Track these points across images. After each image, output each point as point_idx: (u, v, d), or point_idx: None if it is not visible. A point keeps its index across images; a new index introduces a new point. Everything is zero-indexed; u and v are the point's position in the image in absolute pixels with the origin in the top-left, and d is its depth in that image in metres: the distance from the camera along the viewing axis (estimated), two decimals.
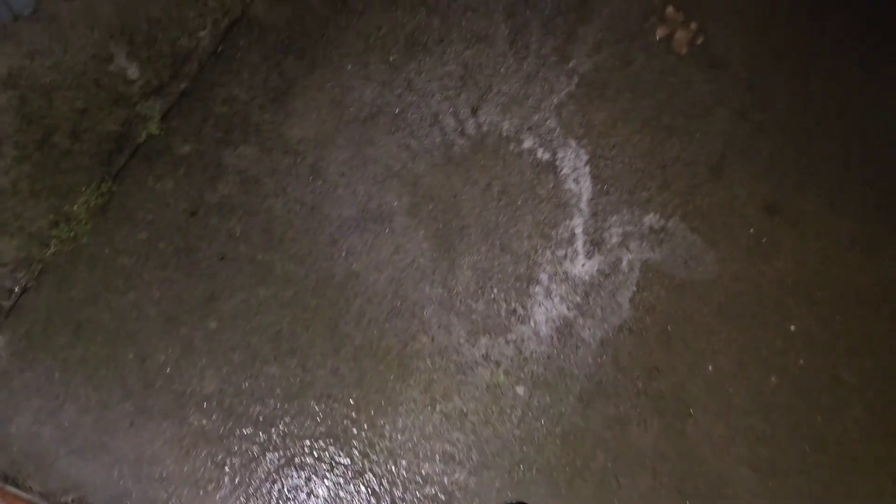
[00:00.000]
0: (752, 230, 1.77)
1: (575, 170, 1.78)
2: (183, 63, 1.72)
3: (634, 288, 1.67)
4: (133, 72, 1.68)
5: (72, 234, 1.52)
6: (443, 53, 1.86)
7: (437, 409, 1.52)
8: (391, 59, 1.82)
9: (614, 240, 1.71)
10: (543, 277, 1.66)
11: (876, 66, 2.02)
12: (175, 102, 1.68)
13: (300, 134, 1.71)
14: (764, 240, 1.76)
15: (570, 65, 1.90)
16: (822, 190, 1.84)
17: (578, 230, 1.71)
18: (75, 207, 1.54)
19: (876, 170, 1.87)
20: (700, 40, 1.98)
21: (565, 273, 1.66)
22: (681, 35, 1.97)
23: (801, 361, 1.63)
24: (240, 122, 1.69)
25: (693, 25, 1.99)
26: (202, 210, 1.60)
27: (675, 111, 1.89)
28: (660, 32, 1.97)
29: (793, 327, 1.67)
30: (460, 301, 1.61)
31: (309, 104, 1.74)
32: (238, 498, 1.43)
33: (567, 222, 1.72)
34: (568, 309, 1.63)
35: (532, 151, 1.78)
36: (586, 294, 1.65)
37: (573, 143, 1.81)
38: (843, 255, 1.76)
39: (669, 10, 2.00)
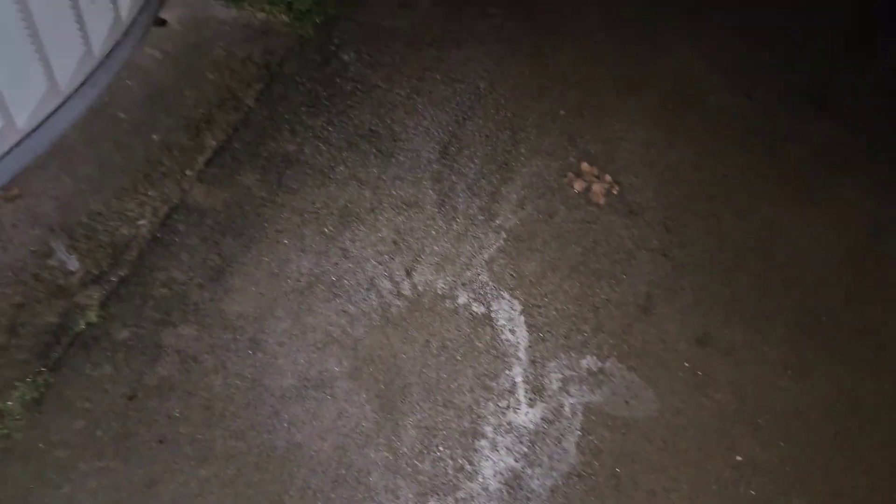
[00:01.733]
0: (686, 364, 1.89)
1: (510, 320, 1.91)
2: (122, 251, 1.85)
3: (579, 432, 1.74)
4: (73, 264, 1.80)
5: (5, 431, 1.56)
6: (375, 221, 2.04)
7: None
8: (326, 230, 1.99)
9: (555, 386, 1.81)
10: (488, 430, 1.73)
11: (780, 202, 2.26)
12: (114, 289, 1.79)
13: (239, 309, 1.82)
14: (699, 372, 1.88)
15: (497, 222, 2.09)
16: (747, 319, 1.99)
17: (519, 379, 1.81)
18: (10, 403, 1.59)
19: (794, 296, 2.05)
20: (616, 190, 2.21)
21: (509, 423, 1.74)
22: (597, 187, 2.20)
23: (752, 491, 1.69)
24: (179, 303, 1.80)
25: (607, 178, 2.24)
26: (141, 393, 1.66)
27: (601, 256, 2.07)
28: (577, 186, 2.20)
29: (739, 457, 1.75)
30: (406, 462, 1.66)
31: (247, 280, 1.87)
32: None
33: (507, 372, 1.82)
34: (515, 460, 1.69)
35: (467, 306, 1.92)
36: (532, 443, 1.72)
37: (506, 294, 1.96)
38: (778, 381, 1.89)
39: (584, 165, 2.26)
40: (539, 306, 1.95)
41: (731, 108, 2.53)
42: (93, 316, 1.74)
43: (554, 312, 1.95)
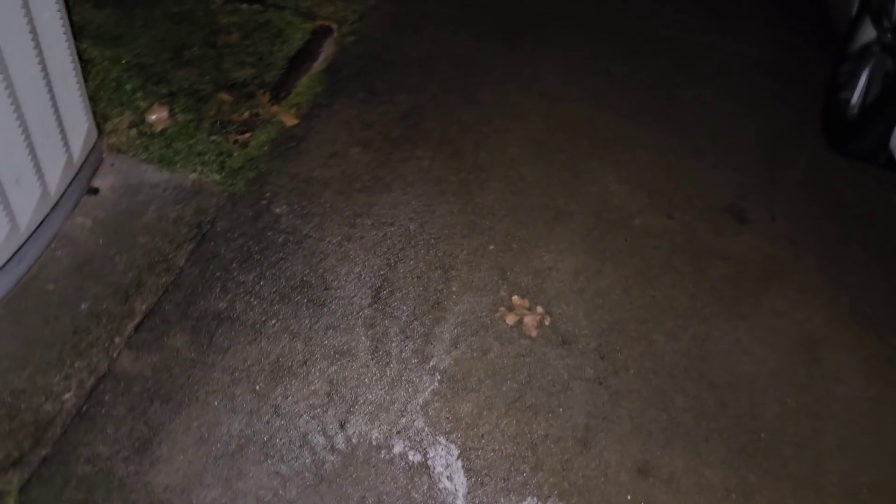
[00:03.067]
0: (629, 497, 1.88)
1: (448, 466, 1.89)
2: (45, 429, 1.82)
3: None
4: None
5: None
6: (307, 374, 2.04)
7: None
8: (257, 387, 1.99)
9: None
10: None
11: (709, 319, 2.33)
12: (35, 471, 1.75)
13: (166, 481, 1.78)
14: None
15: (431, 363, 2.11)
16: (686, 443, 2.00)
17: None
18: None
19: (731, 415, 2.07)
20: (548, 321, 2.26)
21: None
22: (529, 319, 2.25)
23: None
24: (103, 480, 1.76)
25: (539, 309, 2.29)
26: None
27: (536, 390, 2.09)
28: (510, 320, 2.25)
29: None
30: None
31: (175, 448, 1.84)
32: None
33: None
34: None
35: (403, 455, 1.90)
36: None
37: (443, 439, 1.95)
38: None
39: (515, 298, 2.31)
40: (476, 449, 1.94)
41: (655, 228, 2.64)
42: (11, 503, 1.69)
43: (492, 454, 1.94)
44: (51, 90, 2.03)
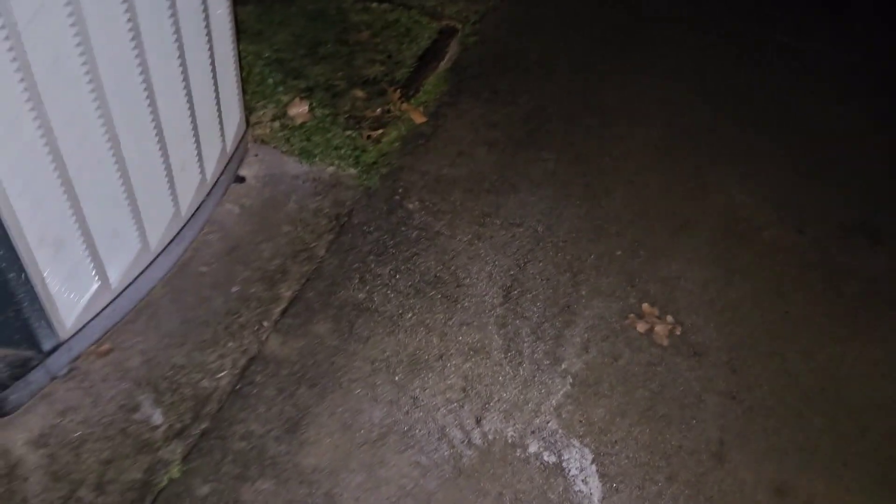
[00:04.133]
0: None
1: (582, 470, 1.89)
2: (204, 404, 1.90)
3: None
4: (157, 417, 1.86)
5: None
6: (444, 368, 2.07)
7: None
8: (396, 378, 2.03)
9: None
10: None
11: (845, 339, 2.24)
12: (195, 443, 1.83)
13: (314, 462, 1.83)
14: None
15: (563, 366, 2.11)
16: (825, 467, 1.94)
17: None
18: None
19: (871, 441, 2.00)
20: (679, 331, 2.22)
21: None
22: (660, 328, 2.22)
23: None
24: (257, 456, 1.83)
25: (669, 318, 2.25)
26: None
27: (668, 400, 2.05)
28: (640, 327, 2.22)
29: None
30: None
31: (322, 431, 1.90)
32: None
33: None
34: None
35: (538, 455, 1.91)
36: None
37: (577, 442, 1.94)
38: None
39: (645, 306, 2.28)
40: (610, 454, 1.93)
41: (785, 243, 2.55)
42: (175, 471, 1.77)
43: (626, 461, 1.92)
44: (216, 82, 2.10)
